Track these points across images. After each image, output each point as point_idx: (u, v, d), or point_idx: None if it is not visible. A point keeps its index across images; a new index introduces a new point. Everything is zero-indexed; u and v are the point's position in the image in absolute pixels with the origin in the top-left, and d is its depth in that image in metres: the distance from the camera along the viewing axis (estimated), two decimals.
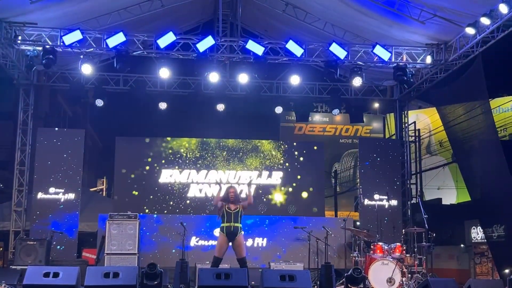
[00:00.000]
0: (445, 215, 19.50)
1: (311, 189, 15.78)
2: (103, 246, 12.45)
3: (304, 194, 15.75)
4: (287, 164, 15.84)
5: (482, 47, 12.57)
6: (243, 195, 15.32)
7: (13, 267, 12.17)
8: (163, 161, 15.51)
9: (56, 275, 8.37)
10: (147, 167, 15.42)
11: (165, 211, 14.98)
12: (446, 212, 20.57)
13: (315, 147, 16.40)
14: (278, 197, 15.69)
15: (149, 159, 15.46)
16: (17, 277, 11.02)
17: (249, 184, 10.90)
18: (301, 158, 15.92)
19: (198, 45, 13.20)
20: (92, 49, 13.42)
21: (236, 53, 14.00)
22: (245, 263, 10.13)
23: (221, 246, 10.23)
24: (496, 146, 12.33)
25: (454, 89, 13.97)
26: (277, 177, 15.78)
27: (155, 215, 14.37)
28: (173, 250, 13.55)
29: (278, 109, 16.04)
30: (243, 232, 10.29)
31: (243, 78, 14.25)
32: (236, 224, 10.17)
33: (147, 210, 14.94)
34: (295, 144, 16.57)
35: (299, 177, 15.79)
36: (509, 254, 11.87)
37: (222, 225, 10.21)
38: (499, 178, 12.24)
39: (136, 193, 15.22)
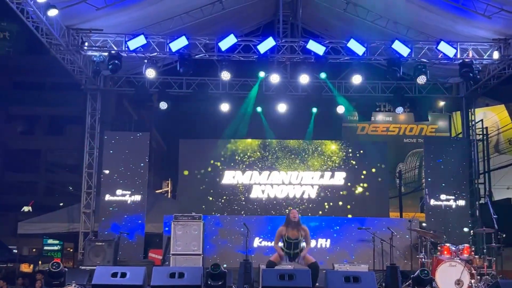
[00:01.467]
0: None
1: (375, 188, 15.54)
2: (169, 247, 12.65)
3: (368, 193, 15.54)
4: (349, 164, 15.67)
5: None
6: (305, 196, 15.41)
7: (83, 267, 12.56)
8: (226, 163, 15.66)
9: (123, 275, 8.56)
10: (210, 169, 15.60)
11: (226, 213, 15.10)
12: None
13: (379, 145, 16.20)
14: (341, 198, 15.53)
15: (212, 161, 15.64)
16: (87, 277, 11.36)
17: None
18: (364, 158, 15.71)
19: (259, 47, 13.25)
20: (155, 53, 13.69)
21: (297, 54, 13.97)
22: (316, 267, 10.04)
23: (279, 257, 10.28)
24: None
25: None
26: (340, 177, 15.63)
27: (217, 215, 14.51)
28: (236, 251, 13.61)
29: (340, 109, 15.89)
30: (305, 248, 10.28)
31: (304, 78, 14.19)
32: (295, 251, 10.20)
33: (213, 212, 15.09)
34: (358, 143, 16.39)
35: (362, 177, 15.59)
36: None
37: (282, 247, 10.24)
38: None
39: (201, 194, 15.41)
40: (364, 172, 15.66)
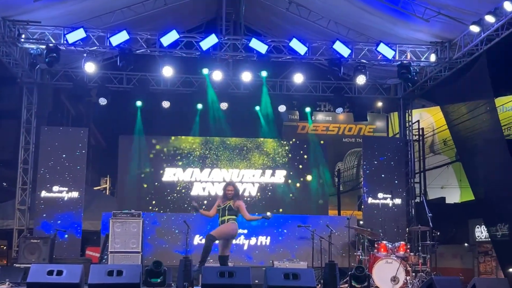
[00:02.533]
0: (449, 214, 19.46)
1: (315, 185, 15.75)
2: (107, 245, 12.44)
3: (307, 191, 15.73)
4: (289, 162, 15.82)
5: (487, 45, 12.51)
6: (246, 193, 15.45)
7: (17, 265, 12.21)
8: (167, 160, 15.52)
9: (60, 273, 8.36)
10: (151, 166, 15.43)
11: (168, 210, 14.98)
12: (449, 211, 20.53)
13: (322, 142, 16.50)
14: (281, 196, 15.65)
15: (152, 157, 15.47)
16: (21, 275, 11.06)
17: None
18: (305, 156, 15.90)
19: (201, 43, 13.18)
20: (95, 47, 13.41)
21: (239, 51, 13.97)
22: (226, 263, 10.18)
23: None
24: (501, 144, 12.29)
25: (458, 87, 13.92)
26: (280, 175, 15.77)
27: (153, 213, 14.40)
28: (174, 251, 13.52)
29: (282, 108, 16.01)
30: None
31: (246, 76, 14.22)
32: (223, 218, 10.16)
33: (151, 208, 14.94)
34: (298, 142, 16.57)
35: (298, 175, 15.77)
36: None
37: (219, 219, 10.26)
38: (504, 176, 12.20)
39: (140, 191, 15.23)
40: (304, 170, 15.83)
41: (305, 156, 15.91)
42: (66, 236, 14.05)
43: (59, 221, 14.15)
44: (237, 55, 14.13)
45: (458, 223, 19.38)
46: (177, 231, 13.76)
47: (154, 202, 15.26)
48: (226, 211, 10.18)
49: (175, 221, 13.96)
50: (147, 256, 12.99)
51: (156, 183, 15.40)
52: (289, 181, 15.77)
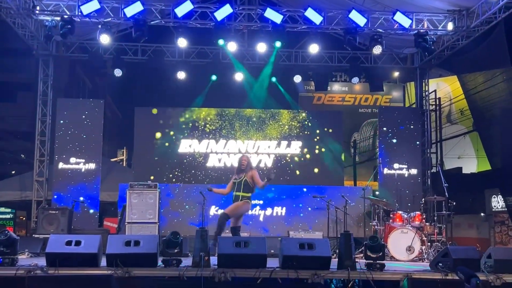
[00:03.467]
0: (465, 184, 19.40)
1: (332, 156, 15.75)
2: (124, 215, 12.58)
3: (323, 162, 15.73)
4: (305, 133, 15.80)
5: (505, 12, 12.29)
6: (262, 165, 15.49)
7: (36, 235, 12.41)
8: (182, 131, 15.57)
9: (78, 243, 8.47)
10: (166, 137, 15.50)
11: (183, 182, 15.06)
12: (466, 181, 20.46)
13: (335, 114, 16.37)
14: (296, 167, 15.67)
15: (168, 129, 15.54)
16: (40, 245, 11.25)
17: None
18: (320, 127, 15.84)
19: (216, 14, 13.11)
20: (110, 18, 13.38)
21: (254, 22, 13.87)
22: (238, 234, 10.29)
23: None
24: None
25: (475, 56, 13.74)
26: (296, 146, 15.76)
27: (168, 184, 14.47)
28: (189, 224, 13.59)
29: (297, 78, 15.93)
30: (254, 202, 10.55)
31: (261, 47, 14.14)
32: (238, 193, 10.28)
33: (165, 180, 15.04)
34: (314, 113, 16.52)
35: (314, 146, 15.75)
36: None
37: (234, 194, 10.39)
38: None
39: (157, 162, 15.33)
40: (320, 141, 15.81)
41: (321, 127, 15.84)
42: (84, 207, 14.23)
43: (76, 192, 14.32)
44: (252, 26, 14.03)
45: (474, 193, 19.33)
46: (190, 203, 13.81)
47: (170, 173, 15.34)
48: (242, 186, 10.27)
49: (189, 193, 14.02)
50: (162, 229, 13.07)
51: (172, 155, 15.47)
52: (305, 151, 15.75)
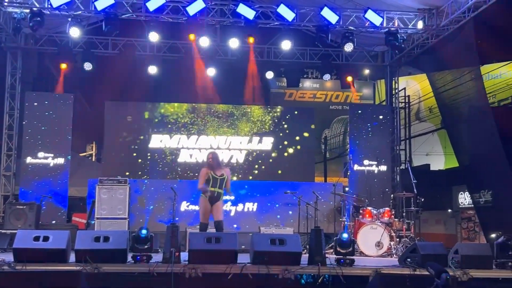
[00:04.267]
0: (433, 180, 19.71)
1: (302, 151, 15.82)
2: (93, 211, 12.46)
3: (294, 158, 15.79)
4: (277, 129, 15.83)
5: (474, 12, 12.50)
6: (233, 160, 15.49)
7: (3, 231, 12.18)
8: (153, 126, 15.45)
9: (46, 238, 8.36)
10: (137, 132, 15.36)
11: (153, 177, 14.92)
12: (434, 177, 20.79)
13: (306, 111, 16.48)
14: (268, 163, 15.70)
15: (139, 124, 15.39)
16: (7, 240, 11.08)
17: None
18: (292, 123, 15.90)
19: (188, 8, 13.02)
20: (80, 11, 13.21)
21: (226, 17, 13.84)
22: (222, 227, 10.34)
23: (205, 211, 10.41)
24: (487, 112, 12.39)
25: (444, 55, 13.95)
26: (267, 142, 15.78)
27: (136, 180, 14.24)
28: (158, 222, 13.41)
29: (269, 74, 15.97)
30: (225, 197, 10.75)
31: (233, 42, 14.13)
32: (219, 190, 10.37)
33: (132, 175, 14.89)
34: (285, 109, 16.57)
35: (285, 142, 15.80)
36: (496, 219, 12.05)
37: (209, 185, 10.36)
38: (488, 144, 12.33)
39: (127, 158, 15.19)
40: (291, 137, 15.86)
41: (293, 123, 15.90)
42: (52, 202, 14.02)
43: (45, 187, 14.10)
44: (224, 21, 14.00)
45: (442, 190, 19.65)
46: (159, 199, 13.68)
47: (140, 168, 15.21)
48: (223, 183, 10.38)
49: (158, 189, 13.82)
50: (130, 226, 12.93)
51: (143, 150, 15.34)
52: (276, 148, 15.78)
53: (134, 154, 15.27)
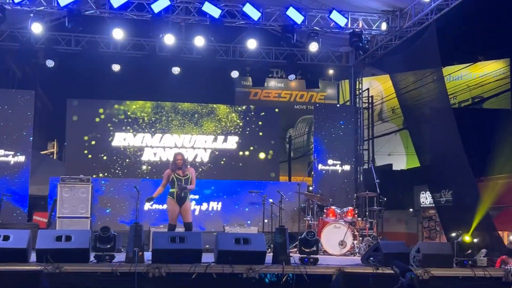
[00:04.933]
0: (395, 180, 20.00)
1: (268, 152, 15.86)
2: (55, 210, 12.28)
3: (260, 158, 15.83)
4: (242, 129, 15.83)
5: (437, 14, 12.70)
6: (198, 159, 15.43)
7: None
8: (117, 124, 15.27)
9: (6, 238, 8.23)
10: (100, 130, 15.17)
11: (116, 176, 14.80)
12: (396, 177, 21.09)
13: (276, 110, 16.57)
14: (233, 162, 15.69)
15: (102, 122, 15.20)
16: None
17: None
18: (257, 123, 15.92)
19: (153, 6, 12.88)
20: (42, 7, 12.94)
21: (192, 15, 13.75)
22: (191, 227, 10.43)
23: (173, 212, 10.38)
24: (448, 113, 12.58)
25: (407, 56, 14.12)
26: (232, 141, 15.76)
27: (97, 178, 14.12)
28: (120, 222, 13.30)
29: (234, 74, 15.95)
30: (190, 196, 10.80)
31: (199, 41, 14.08)
32: (186, 191, 10.43)
33: (100, 174, 14.75)
34: (251, 108, 16.60)
35: (251, 143, 15.82)
36: (456, 218, 12.25)
37: (171, 190, 10.42)
38: (449, 144, 12.53)
39: (89, 156, 14.99)
40: (256, 136, 15.88)
41: (258, 123, 15.92)
42: (13, 201, 13.73)
43: (4, 186, 13.79)
44: (189, 19, 13.91)
45: (404, 189, 19.95)
46: (121, 199, 13.54)
47: (103, 167, 15.03)
48: (183, 183, 10.42)
49: (120, 188, 13.69)
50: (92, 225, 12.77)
51: (106, 148, 15.16)
52: (241, 147, 15.79)
53: (98, 153, 15.06)
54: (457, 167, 12.26)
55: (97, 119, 15.20)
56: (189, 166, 10.90)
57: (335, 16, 13.55)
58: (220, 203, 14.22)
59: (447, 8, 12.39)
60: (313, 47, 14.09)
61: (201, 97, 16.69)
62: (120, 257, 8.83)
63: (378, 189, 12.44)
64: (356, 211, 12.45)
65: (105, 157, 15.10)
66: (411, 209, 20.19)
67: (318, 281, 8.75)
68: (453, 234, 11.36)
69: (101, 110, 15.25)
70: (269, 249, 10.06)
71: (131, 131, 15.32)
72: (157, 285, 8.27)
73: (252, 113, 16.08)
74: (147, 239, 11.22)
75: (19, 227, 11.60)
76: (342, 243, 11.55)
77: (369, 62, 16.85)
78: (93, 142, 15.09)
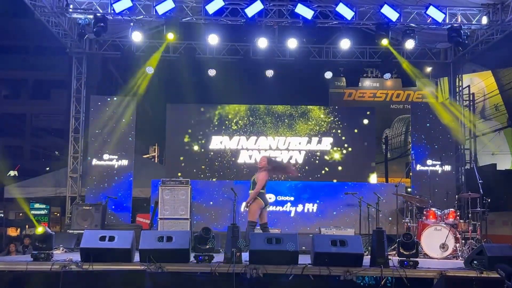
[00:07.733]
0: (500, 180, 19.04)
1: (362, 154, 15.65)
2: (156, 211, 12.68)
3: (354, 160, 15.62)
4: (336, 130, 15.70)
5: None
6: (292, 161, 15.46)
7: (70, 231, 12.59)
8: (213, 128, 15.64)
9: (111, 238, 8.57)
10: (198, 134, 15.57)
11: (214, 178, 15.12)
12: (501, 177, 20.09)
13: (368, 112, 16.22)
14: (327, 163, 15.58)
15: (199, 125, 15.60)
16: (74, 240, 11.44)
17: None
18: (351, 124, 15.74)
19: (246, 10, 13.09)
20: (141, 16, 13.50)
21: (285, 18, 13.83)
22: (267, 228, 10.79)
23: (259, 212, 10.76)
24: None
25: (510, 51, 13.49)
26: (327, 143, 15.69)
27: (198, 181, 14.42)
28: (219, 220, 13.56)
29: (328, 74, 15.85)
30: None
31: (292, 43, 14.11)
32: (250, 191, 10.84)
33: (201, 176, 15.12)
34: (345, 109, 16.43)
35: (345, 145, 15.66)
36: None
37: (262, 191, 10.68)
38: None
39: (188, 159, 15.40)
40: (351, 137, 15.70)
41: (353, 123, 15.73)
42: (117, 203, 14.35)
43: (109, 188, 14.46)
44: (282, 22, 13.99)
45: (509, 190, 18.96)
46: (219, 200, 13.80)
47: (200, 170, 15.41)
48: (251, 184, 10.80)
49: (218, 190, 13.91)
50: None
51: (203, 151, 15.54)
52: (336, 148, 15.66)
53: (195, 155, 15.47)
54: None
55: (195, 123, 15.60)
56: (261, 171, 10.85)
57: (432, 11, 13.15)
58: (315, 205, 14.15)
59: None
60: (409, 44, 13.76)
61: (295, 99, 16.74)
62: (218, 257, 8.99)
63: (481, 190, 11.91)
64: (458, 213, 11.97)
65: (202, 160, 15.46)
66: None
67: (418, 285, 8.49)
68: None
69: (198, 115, 15.65)
70: (366, 252, 9.88)
71: (227, 134, 15.61)
72: (254, 286, 8.35)
73: (346, 114, 15.90)
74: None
75: (123, 228, 12.11)
76: (443, 246, 11.14)
77: (469, 58, 16.22)
78: (191, 145, 15.50)
